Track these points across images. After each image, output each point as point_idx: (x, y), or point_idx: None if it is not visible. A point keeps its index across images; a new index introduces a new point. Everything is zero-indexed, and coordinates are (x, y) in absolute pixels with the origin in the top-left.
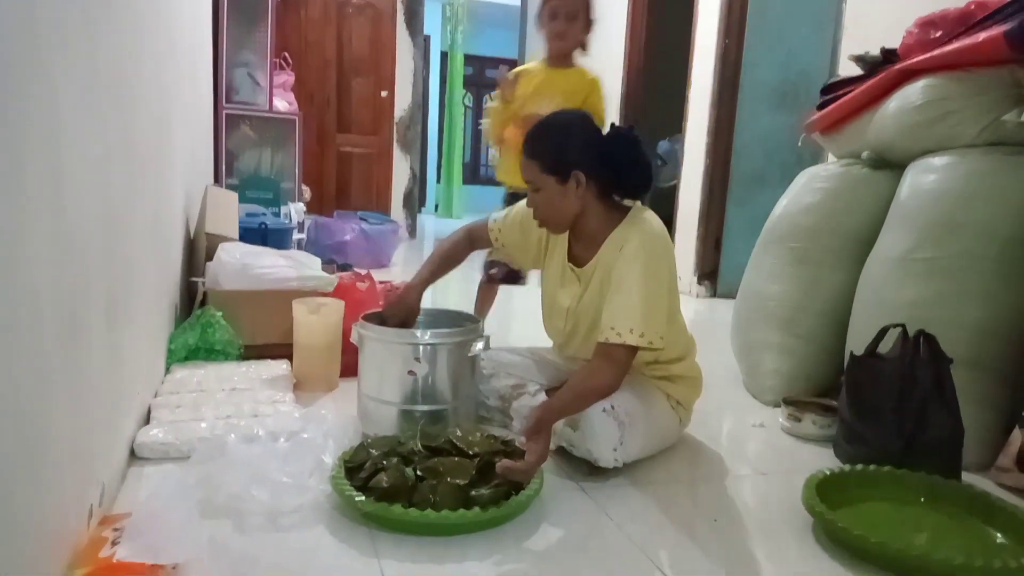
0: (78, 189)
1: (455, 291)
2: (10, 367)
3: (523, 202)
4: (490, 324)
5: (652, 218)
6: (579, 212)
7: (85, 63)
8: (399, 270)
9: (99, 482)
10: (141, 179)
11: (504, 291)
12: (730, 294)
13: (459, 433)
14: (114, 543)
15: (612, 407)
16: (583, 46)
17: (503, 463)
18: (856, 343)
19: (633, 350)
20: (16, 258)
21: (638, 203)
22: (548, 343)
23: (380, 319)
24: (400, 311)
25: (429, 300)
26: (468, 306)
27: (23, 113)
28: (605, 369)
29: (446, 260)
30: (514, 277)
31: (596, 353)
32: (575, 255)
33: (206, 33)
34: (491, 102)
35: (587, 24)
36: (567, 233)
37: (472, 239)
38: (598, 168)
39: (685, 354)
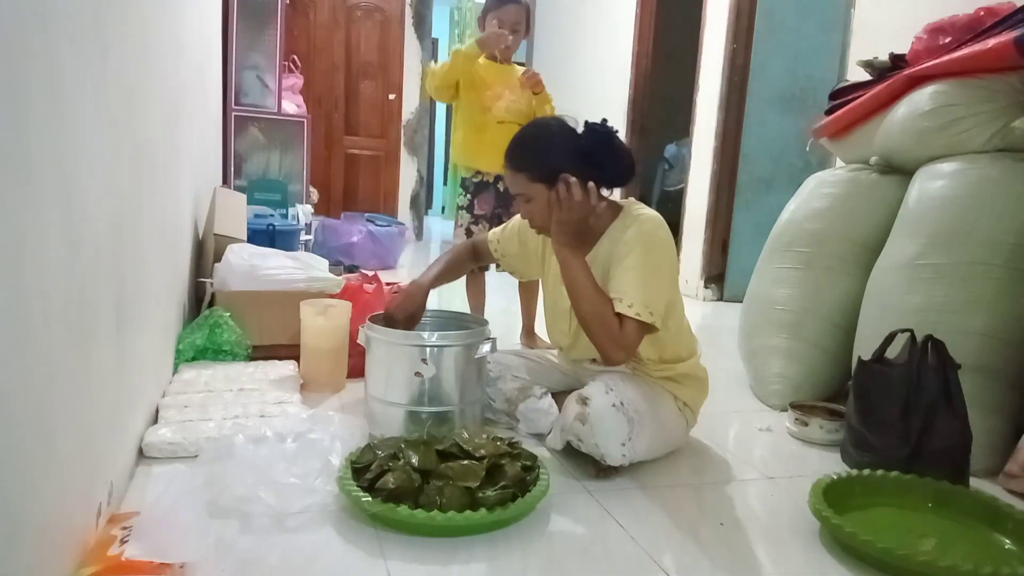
0: (88, 190)
1: (461, 293)
2: (20, 367)
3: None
4: (495, 325)
5: (649, 211)
6: None
7: (95, 64)
8: (406, 272)
9: (107, 481)
10: (150, 180)
11: (510, 291)
12: (737, 298)
13: (465, 435)
14: (122, 542)
15: (622, 403)
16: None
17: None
18: (864, 348)
19: (635, 325)
20: (26, 259)
21: (631, 199)
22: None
23: (386, 317)
24: (408, 307)
25: (435, 302)
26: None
27: (33, 115)
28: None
29: (451, 267)
30: None
31: None
32: None
33: (215, 36)
34: (464, 45)
35: (526, 32)
36: None
37: (475, 251)
38: (582, 167)
39: (690, 354)
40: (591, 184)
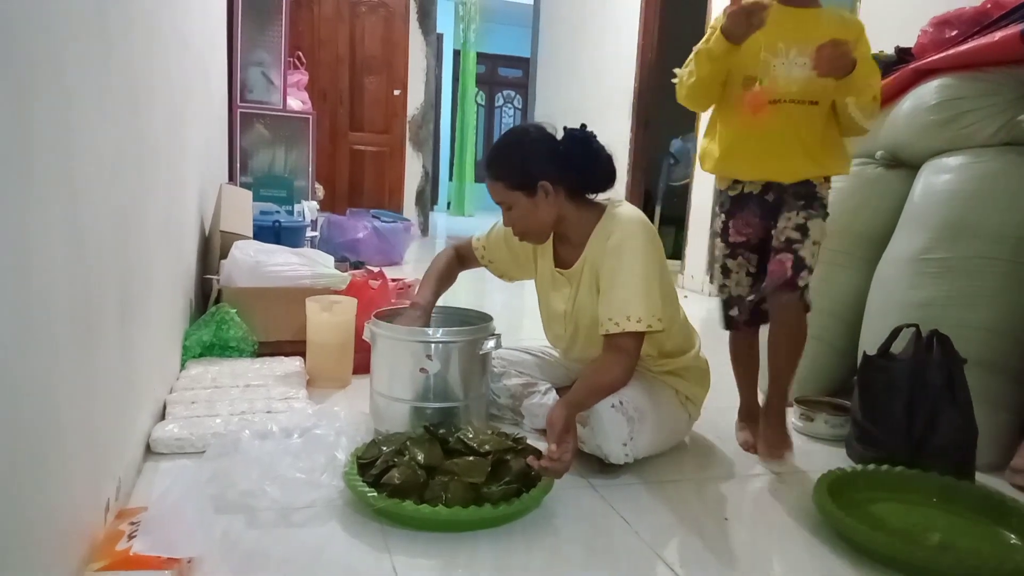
0: (91, 187)
1: (465, 289)
2: (25, 364)
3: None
4: (499, 322)
5: (629, 208)
6: (555, 219)
7: (98, 61)
8: (411, 268)
9: (115, 477)
10: (154, 177)
11: (512, 288)
12: None
13: (470, 431)
14: (130, 536)
15: (621, 403)
16: None
17: (542, 464)
18: (869, 343)
19: (637, 336)
20: (30, 256)
21: (612, 197)
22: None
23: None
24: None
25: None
26: (477, 303)
27: (37, 111)
28: (613, 361)
29: (446, 277)
30: None
31: (604, 347)
32: (561, 258)
33: (221, 33)
34: (708, 44)
35: None
36: (551, 239)
37: (461, 257)
38: (561, 173)
39: (689, 346)
40: (547, 187)
